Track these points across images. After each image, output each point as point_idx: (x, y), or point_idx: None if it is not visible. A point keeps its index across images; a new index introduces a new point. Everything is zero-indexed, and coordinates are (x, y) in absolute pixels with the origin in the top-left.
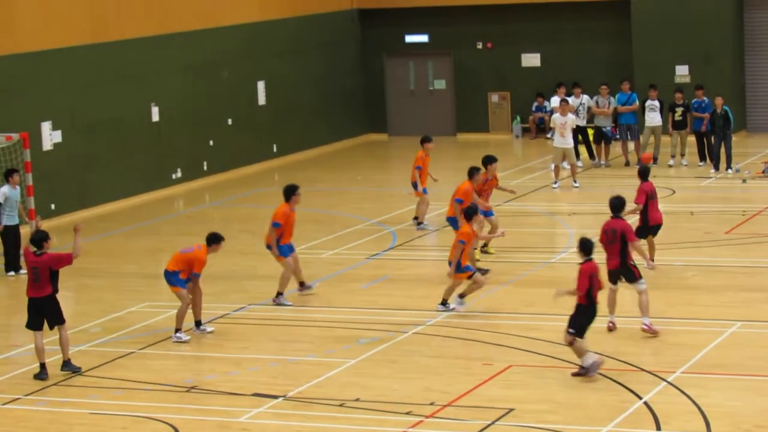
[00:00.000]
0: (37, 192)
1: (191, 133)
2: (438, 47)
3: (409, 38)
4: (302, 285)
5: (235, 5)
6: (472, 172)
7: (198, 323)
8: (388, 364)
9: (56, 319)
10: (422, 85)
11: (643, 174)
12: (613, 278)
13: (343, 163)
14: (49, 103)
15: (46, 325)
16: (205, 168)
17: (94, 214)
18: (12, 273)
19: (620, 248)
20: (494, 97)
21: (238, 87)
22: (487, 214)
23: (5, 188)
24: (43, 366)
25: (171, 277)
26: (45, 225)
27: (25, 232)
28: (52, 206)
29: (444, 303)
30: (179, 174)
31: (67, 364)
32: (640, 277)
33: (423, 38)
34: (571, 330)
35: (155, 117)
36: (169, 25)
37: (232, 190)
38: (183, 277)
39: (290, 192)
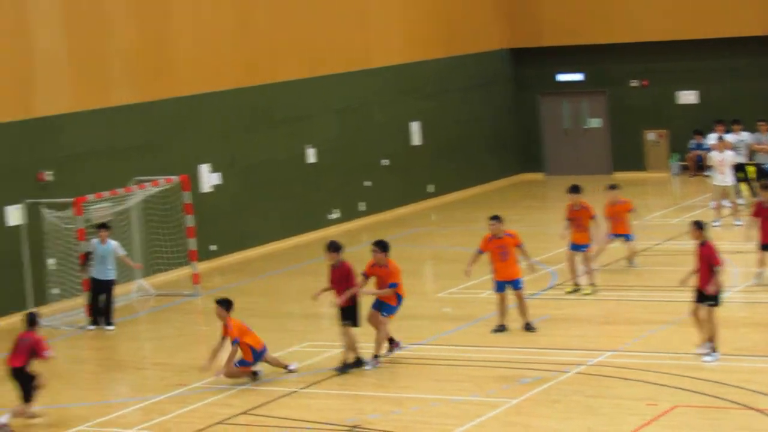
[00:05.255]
0: (197, 233)
1: (347, 174)
2: (592, 86)
3: (562, 77)
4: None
5: (387, 46)
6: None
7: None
8: (550, 404)
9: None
10: (577, 123)
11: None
12: None
13: (498, 203)
14: (208, 146)
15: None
16: (361, 209)
17: (253, 255)
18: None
19: None
20: (651, 135)
21: (392, 128)
22: (628, 237)
23: (94, 241)
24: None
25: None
26: (206, 266)
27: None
28: (213, 247)
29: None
30: (336, 215)
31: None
32: None
33: (577, 77)
34: None
35: (311, 159)
36: (321, 68)
37: (388, 231)
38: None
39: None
